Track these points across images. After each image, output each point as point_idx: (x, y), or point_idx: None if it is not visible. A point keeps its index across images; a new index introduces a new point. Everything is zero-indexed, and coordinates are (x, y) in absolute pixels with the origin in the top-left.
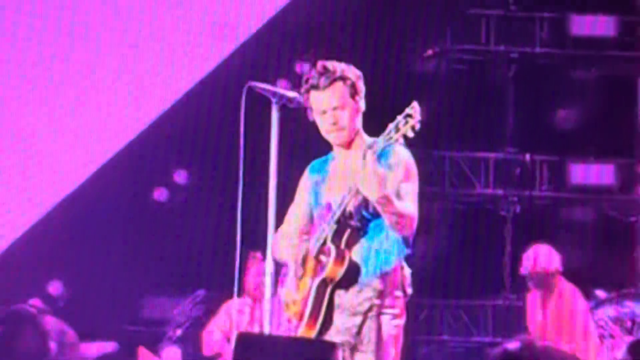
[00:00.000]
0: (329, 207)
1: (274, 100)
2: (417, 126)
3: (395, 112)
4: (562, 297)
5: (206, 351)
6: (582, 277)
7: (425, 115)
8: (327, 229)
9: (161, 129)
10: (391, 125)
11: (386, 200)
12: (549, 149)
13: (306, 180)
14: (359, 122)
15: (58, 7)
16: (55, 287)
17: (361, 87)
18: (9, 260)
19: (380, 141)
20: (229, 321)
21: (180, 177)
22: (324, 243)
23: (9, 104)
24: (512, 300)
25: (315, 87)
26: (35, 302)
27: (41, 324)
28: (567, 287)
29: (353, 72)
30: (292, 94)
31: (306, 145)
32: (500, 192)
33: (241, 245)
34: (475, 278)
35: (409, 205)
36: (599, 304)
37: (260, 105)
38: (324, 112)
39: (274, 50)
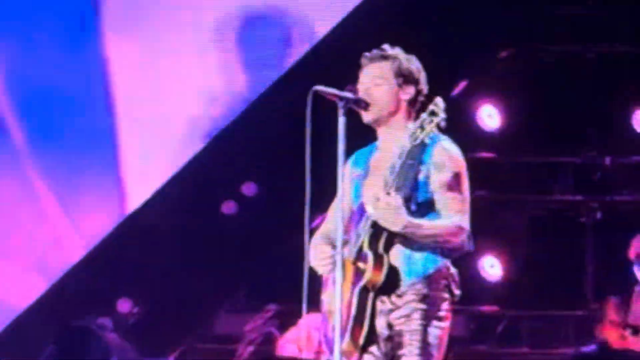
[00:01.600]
0: (364, 207)
1: (340, 104)
2: (443, 124)
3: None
4: None
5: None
6: None
7: (502, 119)
8: (362, 234)
9: (227, 141)
10: (415, 124)
11: (412, 227)
12: (631, 150)
13: (348, 174)
14: (400, 107)
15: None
16: (124, 305)
17: (413, 74)
18: (78, 278)
19: (406, 143)
20: (304, 335)
21: (248, 189)
22: (361, 248)
23: None
24: (595, 311)
25: (362, 66)
26: (103, 320)
27: (103, 341)
28: None
29: (407, 58)
30: (358, 95)
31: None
32: (579, 197)
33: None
34: (555, 288)
35: (449, 218)
36: None
37: (328, 111)
38: (365, 91)
39: (340, 58)
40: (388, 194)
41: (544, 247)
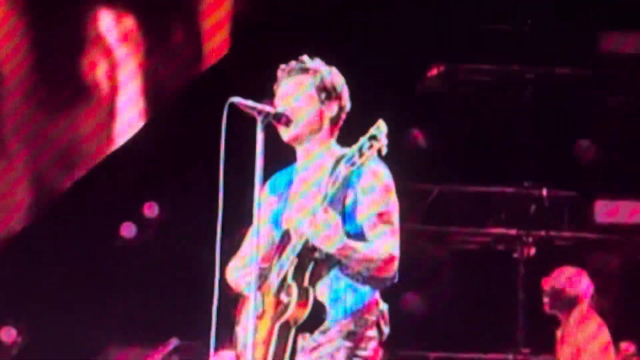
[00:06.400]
0: (288, 235)
1: (259, 118)
2: (384, 150)
3: (395, 139)
4: (580, 328)
5: None
6: (608, 328)
7: (427, 142)
8: (286, 264)
9: (128, 156)
10: (354, 148)
11: (348, 249)
12: (570, 183)
13: (266, 200)
14: (323, 124)
15: None
16: (7, 334)
17: (336, 89)
18: None
19: (342, 168)
20: None
21: (150, 210)
22: (285, 279)
23: None
24: (526, 355)
25: (279, 79)
26: None
27: None
28: (592, 320)
29: (330, 71)
30: (280, 109)
31: None
32: (513, 231)
33: (220, 288)
34: (483, 329)
35: (384, 244)
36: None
37: (243, 125)
38: (284, 107)
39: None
40: (326, 211)
41: (472, 284)
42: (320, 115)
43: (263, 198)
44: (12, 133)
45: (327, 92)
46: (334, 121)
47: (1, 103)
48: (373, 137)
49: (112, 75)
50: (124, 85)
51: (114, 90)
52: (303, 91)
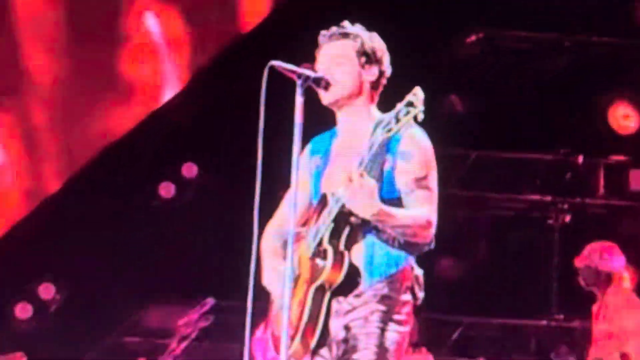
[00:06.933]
0: (325, 199)
1: (299, 82)
2: (421, 116)
3: (432, 105)
4: (611, 305)
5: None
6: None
7: (465, 108)
8: (323, 228)
9: (168, 116)
10: (391, 114)
11: (383, 215)
12: (606, 151)
13: (307, 163)
14: (363, 89)
15: None
16: (46, 291)
17: (376, 54)
18: None
19: (379, 134)
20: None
21: (189, 170)
22: (320, 243)
23: None
24: (559, 321)
25: (320, 44)
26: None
27: None
28: (626, 296)
29: (370, 36)
30: (319, 74)
31: None
32: (548, 198)
33: (257, 249)
34: (517, 294)
35: (421, 210)
36: None
37: (283, 88)
38: (324, 71)
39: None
40: (362, 175)
41: (507, 249)
42: (360, 79)
43: (303, 160)
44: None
45: (367, 57)
46: (374, 86)
47: None
48: (410, 104)
49: (152, 37)
50: (166, 46)
51: (155, 51)
52: (343, 56)
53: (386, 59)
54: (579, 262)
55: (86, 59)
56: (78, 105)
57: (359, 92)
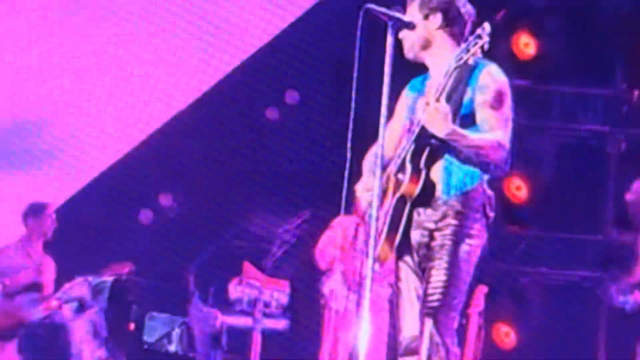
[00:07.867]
0: (412, 124)
1: (390, 23)
2: (486, 46)
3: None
4: None
5: (322, 266)
6: None
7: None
8: (407, 148)
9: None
10: (462, 47)
11: (456, 135)
12: None
13: (404, 99)
14: (432, 36)
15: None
16: (165, 199)
17: (440, 4)
18: (120, 171)
19: (452, 63)
20: (340, 234)
21: (291, 97)
22: (404, 161)
23: None
24: (613, 238)
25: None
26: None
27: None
28: None
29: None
30: (409, 18)
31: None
32: (606, 128)
33: (350, 164)
34: (576, 212)
35: (492, 134)
36: None
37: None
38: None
39: None
40: (437, 100)
41: (568, 172)
42: (426, 30)
43: (402, 96)
44: None
45: (430, 9)
46: (447, 29)
47: None
48: (478, 36)
49: None
50: None
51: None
52: (409, 13)
53: (453, 4)
54: (629, 197)
55: None
56: None
57: (430, 40)
